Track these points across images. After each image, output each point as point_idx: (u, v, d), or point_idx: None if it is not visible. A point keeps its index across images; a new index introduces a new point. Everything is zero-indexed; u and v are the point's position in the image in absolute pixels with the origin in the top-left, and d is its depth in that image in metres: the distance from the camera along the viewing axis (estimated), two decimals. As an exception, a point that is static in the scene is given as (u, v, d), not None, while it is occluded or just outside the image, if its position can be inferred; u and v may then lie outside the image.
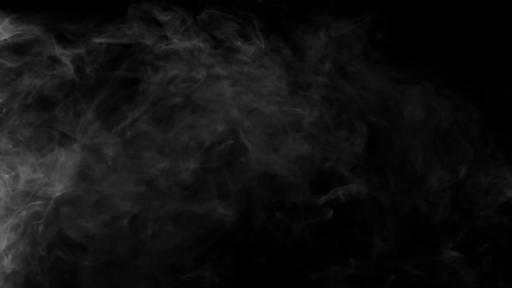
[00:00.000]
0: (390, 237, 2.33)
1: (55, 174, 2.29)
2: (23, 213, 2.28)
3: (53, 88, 2.32)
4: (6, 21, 2.31)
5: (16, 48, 2.33)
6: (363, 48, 2.38)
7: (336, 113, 2.36)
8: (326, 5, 2.38)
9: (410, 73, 2.37)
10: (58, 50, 2.32)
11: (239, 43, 2.36)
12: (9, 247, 2.27)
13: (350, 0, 2.38)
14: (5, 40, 2.30)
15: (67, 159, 2.30)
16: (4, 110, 2.30)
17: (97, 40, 2.32)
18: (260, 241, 2.32)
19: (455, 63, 2.41)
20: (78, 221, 2.30)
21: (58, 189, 2.29)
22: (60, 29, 2.32)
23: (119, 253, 2.31)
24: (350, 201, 2.33)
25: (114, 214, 2.31)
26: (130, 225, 2.32)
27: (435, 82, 2.37)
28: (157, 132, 2.33)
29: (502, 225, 2.35)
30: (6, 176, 2.28)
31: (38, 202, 2.28)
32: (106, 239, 2.31)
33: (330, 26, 2.38)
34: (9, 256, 2.26)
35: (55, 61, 2.33)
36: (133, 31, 2.34)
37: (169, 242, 2.31)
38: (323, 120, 2.36)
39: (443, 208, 2.35)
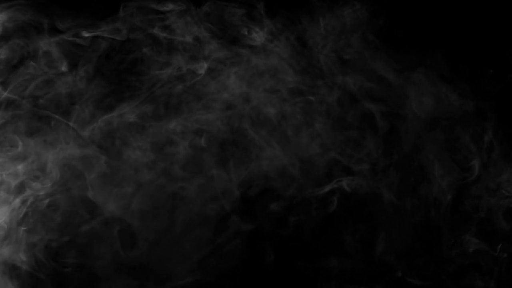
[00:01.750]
0: (393, 236, 2.29)
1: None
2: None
3: (46, 82, 2.29)
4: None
5: (5, 38, 2.28)
6: (363, 36, 2.36)
7: (340, 104, 2.33)
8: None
9: (413, 61, 2.33)
10: (49, 41, 2.29)
11: (245, 32, 2.34)
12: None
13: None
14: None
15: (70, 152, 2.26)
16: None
17: (92, 34, 2.29)
18: (267, 236, 2.30)
19: (459, 50, 2.38)
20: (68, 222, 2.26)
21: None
22: (52, 20, 2.29)
23: (114, 256, 2.27)
24: (352, 196, 2.30)
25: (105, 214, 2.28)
26: (125, 227, 2.28)
27: (438, 70, 2.34)
28: (160, 124, 2.30)
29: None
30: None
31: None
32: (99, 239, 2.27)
33: (331, 13, 2.36)
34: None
35: (46, 53, 2.29)
36: (130, 25, 2.32)
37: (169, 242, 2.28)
38: (328, 111, 2.33)
39: (448, 208, 2.31)
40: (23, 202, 2.24)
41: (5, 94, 2.25)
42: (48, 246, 2.24)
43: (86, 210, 2.27)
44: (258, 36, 2.34)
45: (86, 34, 2.28)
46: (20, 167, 2.24)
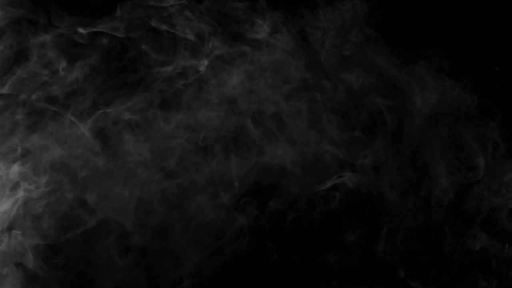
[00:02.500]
0: (395, 235, 2.26)
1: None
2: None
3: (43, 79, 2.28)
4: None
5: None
6: (363, 31, 2.32)
7: (342, 99, 2.31)
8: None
9: (414, 55, 2.30)
10: (47, 38, 2.27)
11: (249, 27, 2.32)
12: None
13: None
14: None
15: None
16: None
17: (90, 30, 2.28)
18: (270, 234, 2.28)
19: (458, 45, 2.34)
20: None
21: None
22: (50, 17, 2.27)
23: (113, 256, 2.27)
24: (354, 194, 2.27)
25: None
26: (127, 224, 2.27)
27: (439, 64, 2.31)
28: (161, 120, 2.29)
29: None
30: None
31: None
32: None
33: (331, 7, 2.33)
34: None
35: (43, 49, 2.28)
36: (129, 22, 2.29)
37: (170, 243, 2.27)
38: (330, 107, 2.31)
39: (451, 208, 2.27)
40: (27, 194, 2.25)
41: (2, 90, 2.25)
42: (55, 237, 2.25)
43: (91, 204, 2.27)
44: (261, 30, 2.31)
45: (84, 31, 2.26)
46: (19, 162, 2.25)
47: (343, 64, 2.30)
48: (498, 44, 2.34)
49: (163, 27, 2.30)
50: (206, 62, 2.29)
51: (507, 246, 2.24)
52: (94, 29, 2.26)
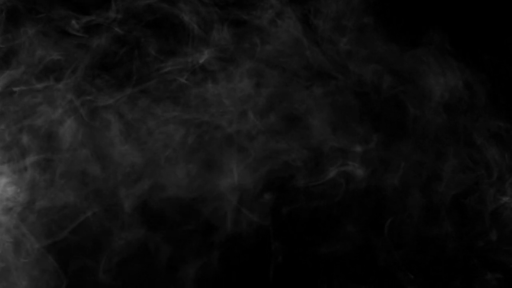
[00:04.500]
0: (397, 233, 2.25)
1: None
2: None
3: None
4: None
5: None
6: (361, 19, 2.30)
7: (343, 90, 2.28)
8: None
9: (413, 39, 2.29)
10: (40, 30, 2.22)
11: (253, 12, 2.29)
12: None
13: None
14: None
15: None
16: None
17: (85, 22, 2.23)
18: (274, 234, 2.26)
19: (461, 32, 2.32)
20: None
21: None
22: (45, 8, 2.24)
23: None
24: (358, 191, 2.25)
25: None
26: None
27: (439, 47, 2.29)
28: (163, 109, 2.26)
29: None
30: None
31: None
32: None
33: None
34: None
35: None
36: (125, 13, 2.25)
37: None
38: (333, 97, 2.28)
39: (457, 207, 2.25)
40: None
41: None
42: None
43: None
44: (265, 16, 2.27)
45: (79, 24, 2.22)
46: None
47: (346, 51, 2.27)
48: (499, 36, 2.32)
49: (162, 15, 2.25)
50: (207, 52, 2.25)
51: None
52: (92, 23, 2.22)
